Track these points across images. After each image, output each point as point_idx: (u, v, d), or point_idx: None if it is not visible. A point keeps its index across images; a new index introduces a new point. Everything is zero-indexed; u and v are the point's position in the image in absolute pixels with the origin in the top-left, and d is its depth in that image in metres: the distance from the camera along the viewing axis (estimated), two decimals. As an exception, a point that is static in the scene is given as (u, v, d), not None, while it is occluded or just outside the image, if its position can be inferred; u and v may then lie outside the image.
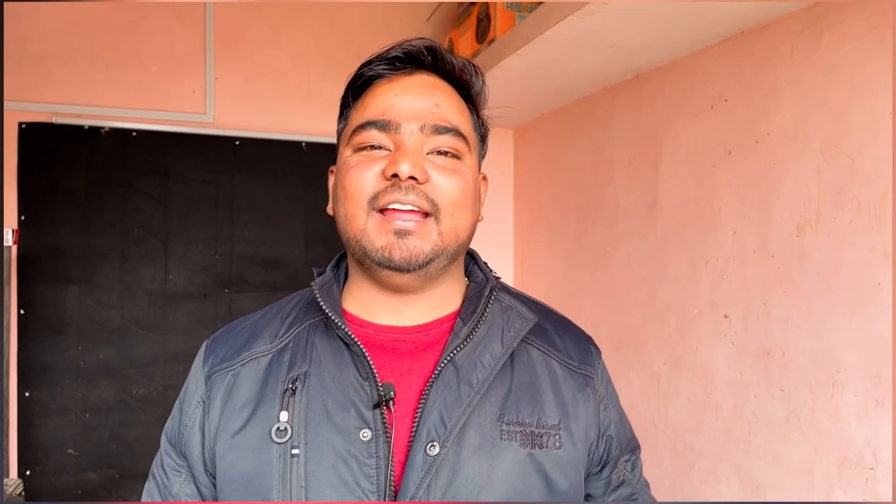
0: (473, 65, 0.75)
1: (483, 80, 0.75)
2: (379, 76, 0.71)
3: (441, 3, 2.31)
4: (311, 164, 2.23)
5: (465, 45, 1.94)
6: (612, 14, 1.31)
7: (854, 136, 1.14)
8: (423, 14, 2.37)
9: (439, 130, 0.68)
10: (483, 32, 1.82)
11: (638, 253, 1.74)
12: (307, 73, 2.25)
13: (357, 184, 0.67)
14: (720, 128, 1.45)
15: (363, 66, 0.73)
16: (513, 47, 1.59)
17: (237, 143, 2.17)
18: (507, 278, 2.45)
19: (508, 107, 1.90)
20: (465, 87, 0.74)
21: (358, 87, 0.73)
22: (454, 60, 0.73)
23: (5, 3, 1.79)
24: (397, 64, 0.71)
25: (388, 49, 0.71)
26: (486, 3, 1.80)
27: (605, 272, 1.89)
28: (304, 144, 2.24)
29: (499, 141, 2.48)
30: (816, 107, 1.21)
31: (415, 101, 0.69)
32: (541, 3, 1.47)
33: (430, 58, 0.71)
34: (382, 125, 0.68)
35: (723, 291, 1.43)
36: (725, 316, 1.42)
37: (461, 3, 2.05)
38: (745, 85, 1.38)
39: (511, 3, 1.72)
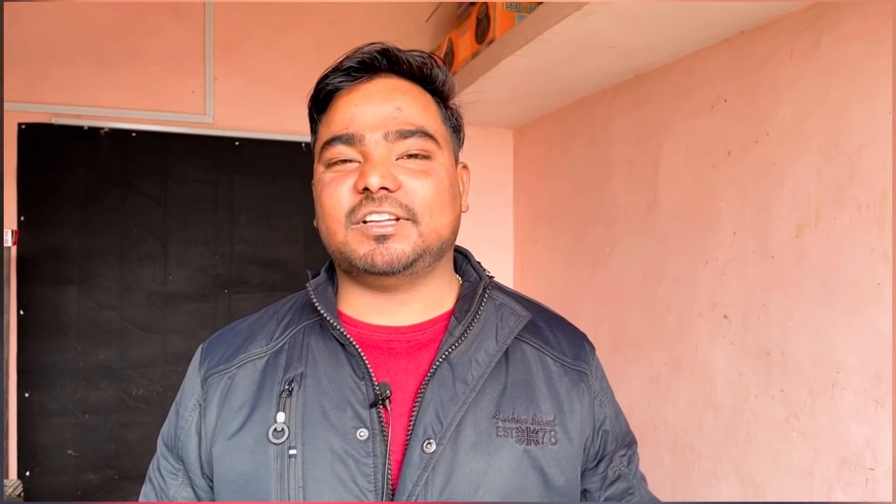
0: (433, 57, 0.74)
1: (446, 71, 0.75)
2: (338, 88, 0.71)
3: (441, 3, 2.31)
4: (311, 164, 2.22)
5: (464, 45, 1.94)
6: (612, 14, 1.31)
7: (853, 136, 1.14)
8: (423, 14, 2.37)
9: (404, 134, 0.68)
10: (482, 33, 1.82)
11: (638, 253, 1.73)
12: (307, 74, 2.21)
13: (333, 201, 0.68)
14: (720, 128, 1.45)
15: (322, 79, 0.72)
16: (512, 48, 1.59)
17: (237, 143, 2.17)
18: (507, 278, 2.45)
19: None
20: (428, 81, 0.73)
21: (321, 101, 0.73)
22: (411, 59, 0.72)
23: (5, 3, 1.79)
24: (353, 73, 0.71)
25: (343, 59, 0.71)
26: (486, 4, 1.80)
27: (604, 272, 1.89)
28: (303, 145, 2.24)
29: (499, 141, 2.47)
30: (816, 107, 1.21)
31: (376, 108, 0.68)
32: (540, 3, 1.47)
33: (385, 61, 0.71)
34: (347, 139, 0.68)
35: (722, 292, 1.43)
36: (725, 316, 1.42)
37: (461, 4, 2.05)
38: (745, 85, 1.38)
39: (510, 4, 1.72)
